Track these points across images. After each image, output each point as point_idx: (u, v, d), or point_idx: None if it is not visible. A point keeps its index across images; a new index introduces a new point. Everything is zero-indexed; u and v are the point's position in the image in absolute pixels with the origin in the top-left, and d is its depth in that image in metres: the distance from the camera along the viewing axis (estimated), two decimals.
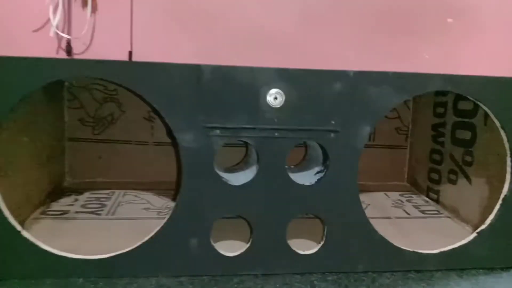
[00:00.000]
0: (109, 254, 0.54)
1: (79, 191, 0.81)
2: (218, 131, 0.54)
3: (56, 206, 0.73)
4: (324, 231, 0.58)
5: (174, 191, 0.82)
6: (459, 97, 0.76)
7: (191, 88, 0.52)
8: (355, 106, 0.55)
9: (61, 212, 0.70)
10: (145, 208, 0.74)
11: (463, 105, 0.75)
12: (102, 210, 0.72)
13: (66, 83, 0.84)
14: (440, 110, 0.83)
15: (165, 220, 0.55)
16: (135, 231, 0.63)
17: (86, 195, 0.79)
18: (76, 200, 0.76)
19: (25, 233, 0.54)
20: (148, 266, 0.55)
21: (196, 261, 0.55)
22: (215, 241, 0.57)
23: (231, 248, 0.57)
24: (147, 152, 0.88)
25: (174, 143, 0.75)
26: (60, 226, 0.66)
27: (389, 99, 0.56)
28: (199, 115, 0.53)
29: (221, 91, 0.53)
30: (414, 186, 0.93)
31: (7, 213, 0.53)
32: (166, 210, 0.73)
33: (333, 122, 0.55)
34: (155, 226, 0.55)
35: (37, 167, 0.71)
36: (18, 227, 0.53)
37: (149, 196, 0.79)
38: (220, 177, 0.55)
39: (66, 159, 0.86)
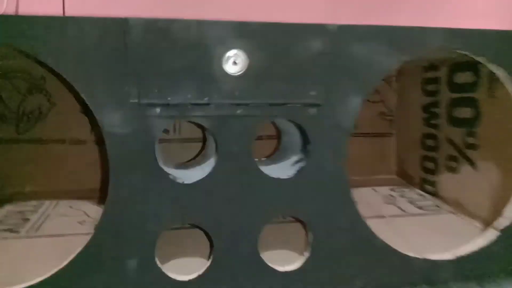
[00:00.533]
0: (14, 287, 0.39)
1: None
2: (157, 110, 0.39)
3: None
4: (308, 238, 0.44)
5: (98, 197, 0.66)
6: (455, 68, 0.64)
7: (117, 50, 0.38)
8: (339, 71, 0.42)
9: None
10: (79, 222, 0.58)
11: (460, 78, 0.63)
12: (22, 227, 0.56)
13: None
14: (432, 87, 0.71)
15: (90, 237, 0.40)
16: (61, 252, 0.48)
17: (7, 208, 0.63)
18: None
19: None
20: None
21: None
22: (162, 261, 0.42)
23: (184, 268, 0.43)
24: (86, 152, 0.72)
25: (96, 131, 0.60)
26: None
27: (383, 60, 0.42)
28: (130, 87, 0.38)
29: (160, 54, 0.38)
30: (405, 179, 0.81)
31: None
32: None
33: (312, 93, 0.41)
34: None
35: None
36: None
37: (87, 206, 0.64)
38: (164, 174, 0.41)
39: None
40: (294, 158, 0.47)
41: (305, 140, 0.44)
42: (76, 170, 0.71)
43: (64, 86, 0.66)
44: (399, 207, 0.67)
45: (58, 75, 0.38)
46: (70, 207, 0.64)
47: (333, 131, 0.42)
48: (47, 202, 0.65)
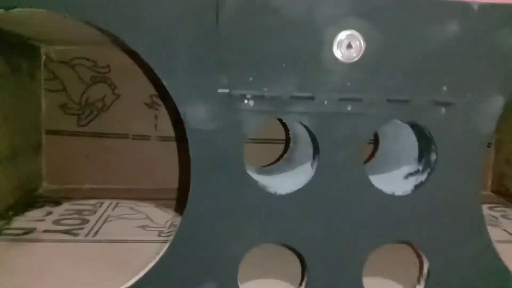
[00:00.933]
0: None
1: (56, 201, 0.59)
2: (250, 102, 0.32)
3: (20, 221, 0.52)
4: (423, 268, 0.35)
5: (176, 203, 0.60)
6: None
7: (205, 28, 0.30)
8: (480, 62, 0.33)
9: (23, 231, 0.49)
10: (141, 226, 0.52)
11: None
12: (81, 229, 0.50)
13: (43, 56, 0.63)
14: None
15: (165, 249, 0.33)
16: (123, 262, 0.42)
17: (65, 206, 0.58)
18: (48, 213, 0.55)
19: None
20: None
21: None
22: (244, 284, 0.35)
23: None
24: (149, 149, 0.66)
25: (179, 127, 0.53)
26: (15, 252, 0.44)
27: None
28: (219, 74, 0.31)
29: (257, 34, 0.31)
30: (504, 196, 0.70)
31: None
32: (170, 230, 0.51)
33: (444, 88, 0.33)
34: (154, 255, 0.34)
35: None
36: None
37: (149, 209, 0.58)
38: (253, 181, 0.33)
39: (42, 158, 0.65)
40: (406, 169, 0.38)
41: (427, 147, 0.35)
42: (139, 167, 0.66)
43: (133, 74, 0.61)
44: (506, 231, 0.56)
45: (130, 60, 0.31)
46: (131, 208, 0.58)
47: (466, 137, 0.33)
48: (106, 202, 0.60)
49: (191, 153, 0.32)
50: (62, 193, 0.62)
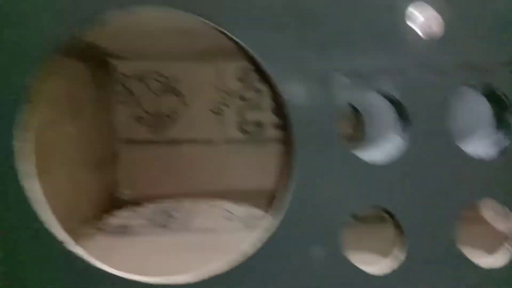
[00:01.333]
0: (198, 277, 0.36)
1: (138, 203, 0.64)
2: (344, 78, 0.35)
3: (112, 220, 0.56)
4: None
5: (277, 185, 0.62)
6: None
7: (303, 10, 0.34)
8: None
9: (120, 226, 0.53)
10: (226, 218, 0.55)
11: None
12: (171, 223, 0.54)
13: (116, 72, 0.69)
14: None
15: (276, 224, 0.36)
16: (220, 246, 0.46)
17: (149, 207, 0.62)
18: (136, 212, 0.59)
19: (73, 247, 0.36)
20: None
21: (322, 280, 0.36)
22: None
23: (369, 262, 0.38)
24: (217, 153, 0.70)
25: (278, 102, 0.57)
26: (118, 243, 0.48)
27: None
28: (314, 53, 0.35)
29: (346, 14, 0.34)
30: None
31: (50, 220, 0.35)
32: (253, 220, 0.54)
33: None
34: (246, 239, 0.37)
35: (86, 171, 0.55)
36: (64, 238, 0.36)
37: (226, 205, 0.61)
38: (349, 152, 0.36)
39: (119, 165, 0.70)
40: (486, 135, 0.40)
41: (504, 114, 0.37)
42: (208, 171, 0.70)
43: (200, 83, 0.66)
44: None
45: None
46: (210, 206, 0.62)
47: None
48: (186, 202, 0.64)
49: (293, 130, 0.35)
50: (141, 198, 0.67)
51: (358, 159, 0.36)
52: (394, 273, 0.36)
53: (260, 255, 0.36)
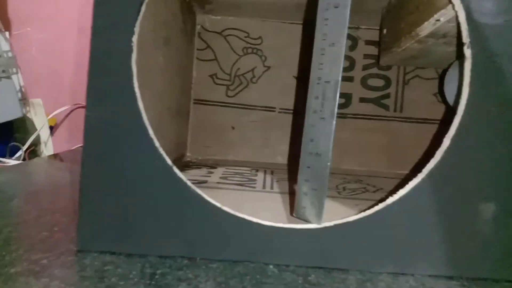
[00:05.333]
0: (323, 224, 0.30)
1: (211, 166, 0.58)
2: None
3: (188, 175, 0.50)
4: None
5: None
6: None
7: None
8: None
9: (199, 181, 0.47)
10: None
11: None
12: (254, 183, 0.48)
13: (198, 26, 0.63)
14: None
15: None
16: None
17: (220, 170, 0.56)
18: (210, 172, 0.53)
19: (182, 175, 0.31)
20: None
21: None
22: None
23: None
24: (295, 123, 0.64)
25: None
26: (211, 193, 0.42)
27: None
28: None
29: None
30: None
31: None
32: (341, 186, 0.48)
33: None
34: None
35: (167, 115, 0.49)
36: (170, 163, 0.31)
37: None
38: None
39: (189, 126, 0.64)
40: None
41: None
42: (285, 144, 0.64)
43: (285, 46, 0.60)
44: None
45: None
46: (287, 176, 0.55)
47: None
48: (261, 169, 0.57)
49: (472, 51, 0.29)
50: (207, 163, 0.61)
51: None
52: None
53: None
